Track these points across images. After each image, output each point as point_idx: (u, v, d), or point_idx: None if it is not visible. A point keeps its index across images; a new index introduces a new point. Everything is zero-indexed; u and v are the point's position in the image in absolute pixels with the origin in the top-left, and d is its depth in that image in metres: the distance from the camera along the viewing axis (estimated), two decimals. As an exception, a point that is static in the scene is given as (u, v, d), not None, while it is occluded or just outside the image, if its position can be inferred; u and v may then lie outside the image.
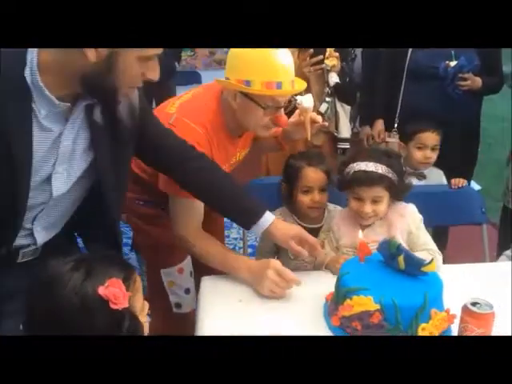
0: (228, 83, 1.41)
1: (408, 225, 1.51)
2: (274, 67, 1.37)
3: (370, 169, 1.45)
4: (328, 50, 2.14)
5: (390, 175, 1.45)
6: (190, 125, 1.42)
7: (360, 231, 1.36)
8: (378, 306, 1.11)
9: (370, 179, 1.44)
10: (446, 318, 1.15)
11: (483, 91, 2.30)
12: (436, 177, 2.13)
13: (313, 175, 1.65)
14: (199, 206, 1.47)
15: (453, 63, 2.16)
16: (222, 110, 1.49)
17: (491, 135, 2.25)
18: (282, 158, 1.90)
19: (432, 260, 1.18)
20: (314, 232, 1.66)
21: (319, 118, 1.63)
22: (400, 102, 2.32)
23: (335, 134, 2.38)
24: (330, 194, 1.70)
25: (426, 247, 1.52)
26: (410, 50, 2.25)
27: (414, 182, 2.07)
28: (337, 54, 2.17)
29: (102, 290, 0.88)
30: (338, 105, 2.38)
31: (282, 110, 1.47)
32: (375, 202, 1.47)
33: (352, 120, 3.16)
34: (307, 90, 2.11)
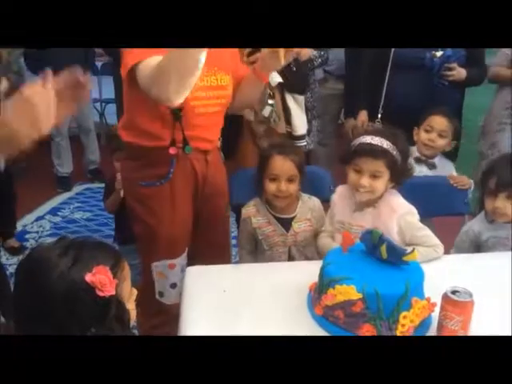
0: None
1: (399, 226, 1.50)
2: None
3: (375, 142, 1.46)
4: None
5: (393, 152, 1.46)
6: None
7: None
8: (360, 295, 1.12)
9: (373, 151, 1.45)
10: (427, 307, 1.17)
11: (467, 83, 2.29)
12: (447, 168, 2.12)
13: (280, 163, 1.64)
14: None
15: (439, 53, 2.14)
16: None
17: (474, 127, 2.27)
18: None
19: (413, 250, 1.19)
20: (287, 222, 1.69)
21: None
22: (384, 92, 2.30)
23: (288, 130, 2.13)
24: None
25: (428, 244, 1.52)
26: None
27: (424, 170, 2.08)
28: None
29: (88, 277, 0.88)
30: (289, 99, 2.13)
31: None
32: (374, 176, 1.47)
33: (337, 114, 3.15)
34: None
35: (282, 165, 1.64)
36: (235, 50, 1.77)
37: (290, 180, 1.65)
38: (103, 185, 3.76)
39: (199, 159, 1.68)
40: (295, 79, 2.12)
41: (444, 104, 2.24)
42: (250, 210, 1.73)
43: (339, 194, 1.62)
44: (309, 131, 2.28)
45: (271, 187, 1.65)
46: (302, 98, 2.20)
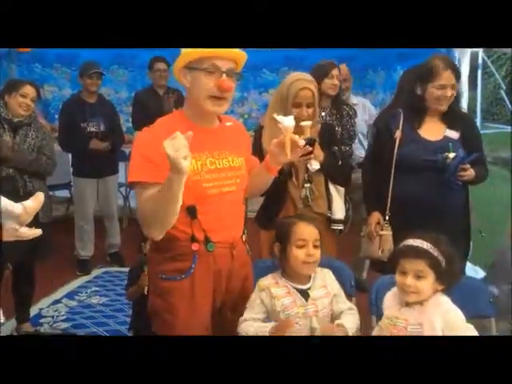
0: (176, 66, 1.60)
1: (444, 323, 1.50)
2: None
3: (416, 244, 1.55)
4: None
5: (434, 253, 1.52)
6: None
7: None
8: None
9: (414, 252, 1.54)
10: None
11: (475, 181, 2.32)
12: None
13: (306, 228, 1.72)
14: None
15: (451, 155, 2.18)
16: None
17: (498, 220, 2.26)
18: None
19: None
20: (304, 292, 1.71)
21: (300, 141, 1.63)
22: (390, 194, 2.31)
23: (329, 214, 2.39)
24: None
25: None
26: (396, 145, 2.28)
27: None
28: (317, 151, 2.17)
29: None
30: (332, 186, 2.42)
31: (224, 75, 1.57)
32: (418, 277, 1.52)
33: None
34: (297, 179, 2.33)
35: (308, 229, 1.71)
36: (248, 140, 1.89)
37: (316, 246, 1.71)
38: (122, 269, 3.80)
39: (224, 254, 1.67)
40: (340, 173, 2.43)
41: (454, 201, 2.27)
42: (269, 281, 1.75)
43: (392, 296, 1.64)
44: (347, 218, 2.48)
45: (300, 254, 1.69)
46: (342, 190, 2.46)
